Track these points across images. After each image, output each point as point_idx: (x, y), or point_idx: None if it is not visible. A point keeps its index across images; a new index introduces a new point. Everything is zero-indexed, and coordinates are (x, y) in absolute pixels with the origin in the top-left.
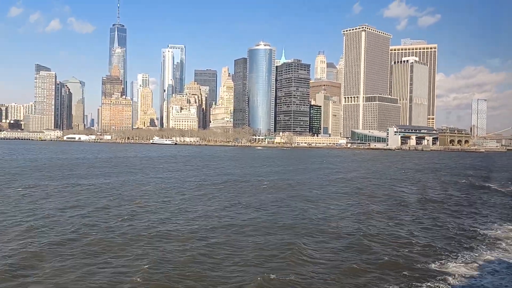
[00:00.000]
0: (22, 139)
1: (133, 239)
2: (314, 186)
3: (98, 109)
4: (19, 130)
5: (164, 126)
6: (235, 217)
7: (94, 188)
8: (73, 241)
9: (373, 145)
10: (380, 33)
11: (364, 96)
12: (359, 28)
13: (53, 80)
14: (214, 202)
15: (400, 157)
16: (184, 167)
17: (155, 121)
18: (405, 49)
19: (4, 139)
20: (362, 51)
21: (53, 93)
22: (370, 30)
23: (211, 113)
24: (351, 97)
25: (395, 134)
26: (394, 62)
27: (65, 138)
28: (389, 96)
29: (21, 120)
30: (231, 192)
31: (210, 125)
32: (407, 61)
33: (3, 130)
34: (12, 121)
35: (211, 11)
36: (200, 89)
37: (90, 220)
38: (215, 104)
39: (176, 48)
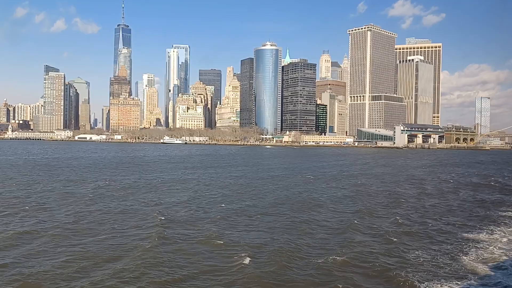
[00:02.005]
0: (32, 139)
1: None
2: (359, 178)
3: (103, 109)
4: (29, 130)
5: (169, 126)
6: (328, 201)
7: (184, 181)
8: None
9: (380, 143)
10: (385, 33)
11: (370, 95)
12: (364, 28)
13: (62, 81)
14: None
15: (410, 155)
16: (228, 164)
17: (161, 120)
18: (410, 48)
19: (15, 139)
20: (368, 51)
21: (62, 93)
22: (376, 30)
23: (216, 113)
24: (357, 96)
25: (402, 133)
26: (400, 61)
27: (76, 138)
28: (395, 95)
29: (29, 120)
30: (299, 185)
31: (217, 125)
32: (412, 60)
33: (15, 131)
34: (21, 121)
35: (214, 11)
36: (205, 89)
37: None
38: (220, 103)
39: (180, 48)
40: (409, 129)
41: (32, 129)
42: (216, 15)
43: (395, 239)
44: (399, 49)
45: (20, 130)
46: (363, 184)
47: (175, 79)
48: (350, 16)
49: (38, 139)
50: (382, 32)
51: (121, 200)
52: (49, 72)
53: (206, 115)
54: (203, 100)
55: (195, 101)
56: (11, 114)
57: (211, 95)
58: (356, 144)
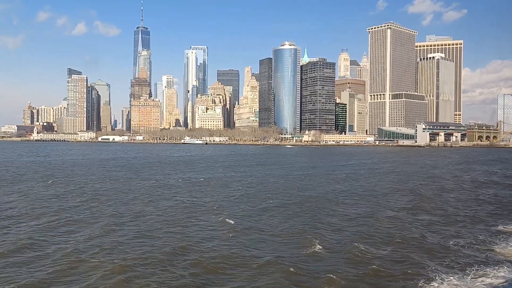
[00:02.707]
0: (57, 140)
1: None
2: (394, 175)
3: (122, 110)
4: (53, 132)
5: (188, 126)
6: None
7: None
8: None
9: (401, 142)
10: (405, 30)
11: (391, 93)
12: (384, 26)
13: (84, 83)
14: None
15: (434, 153)
16: (258, 163)
17: (180, 121)
18: (431, 46)
19: (40, 140)
20: (388, 49)
21: (85, 96)
22: (396, 28)
23: (235, 113)
24: (377, 95)
25: (424, 131)
26: (420, 59)
27: (99, 139)
28: (416, 93)
29: (52, 122)
30: (336, 181)
31: (236, 125)
32: (433, 57)
33: (40, 132)
34: (45, 123)
35: (231, 12)
36: (224, 89)
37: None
38: (238, 103)
39: (199, 49)
40: (431, 127)
41: (56, 131)
42: (233, 15)
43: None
44: (420, 46)
45: (45, 132)
46: (402, 181)
47: (194, 80)
48: (369, 14)
49: (62, 141)
50: (402, 29)
51: (183, 195)
52: (72, 75)
53: (224, 115)
54: (221, 101)
55: (214, 102)
56: (35, 116)
57: (230, 95)
58: (377, 143)
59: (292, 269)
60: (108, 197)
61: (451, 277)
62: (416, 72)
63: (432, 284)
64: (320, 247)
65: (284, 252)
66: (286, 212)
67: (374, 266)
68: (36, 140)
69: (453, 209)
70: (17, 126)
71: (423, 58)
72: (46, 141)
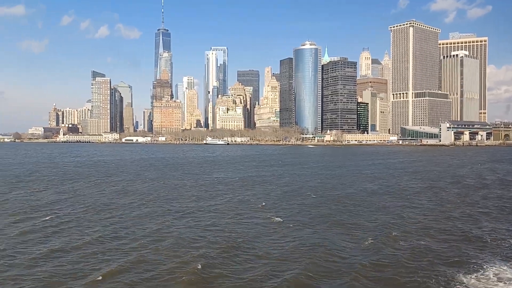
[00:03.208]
0: (82, 142)
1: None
2: (424, 174)
3: (144, 112)
4: (78, 133)
5: (209, 127)
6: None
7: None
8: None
9: (425, 141)
10: (428, 28)
11: (413, 92)
12: (406, 24)
13: (108, 85)
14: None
15: (460, 152)
16: (285, 163)
17: (201, 122)
18: (454, 43)
19: (66, 142)
20: (410, 47)
21: (108, 98)
22: (418, 26)
23: (255, 113)
24: (399, 94)
25: (448, 130)
26: (443, 57)
27: (123, 140)
28: (439, 92)
29: (77, 124)
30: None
31: (256, 125)
32: (457, 55)
33: (65, 134)
34: (70, 125)
35: (251, 12)
36: (244, 90)
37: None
38: (259, 104)
39: (219, 50)
40: (455, 126)
41: (80, 132)
42: (252, 16)
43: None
44: (443, 44)
45: (70, 133)
46: (432, 179)
47: (214, 80)
48: (391, 12)
49: (87, 142)
50: (424, 27)
51: (226, 193)
52: (96, 78)
53: (245, 116)
54: (242, 101)
55: (234, 102)
56: (60, 118)
57: (250, 95)
58: (400, 143)
59: (351, 261)
60: (159, 195)
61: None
62: (439, 70)
63: (482, 273)
64: (372, 240)
65: (338, 245)
66: (327, 210)
67: (427, 259)
68: (62, 142)
69: (490, 207)
70: (43, 128)
71: (447, 56)
72: (71, 142)
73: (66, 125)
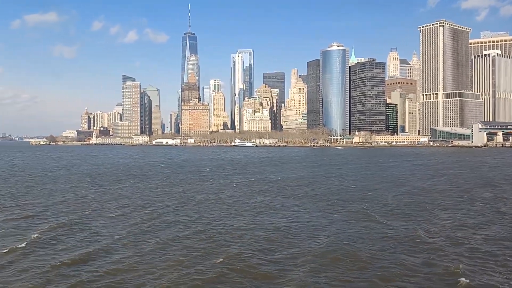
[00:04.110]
0: (113, 144)
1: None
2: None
3: (171, 114)
4: (110, 136)
5: (236, 129)
6: None
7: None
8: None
9: (456, 142)
10: (458, 28)
11: (444, 92)
12: (436, 24)
13: (138, 89)
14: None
15: (496, 153)
16: (324, 163)
17: (227, 124)
18: (486, 42)
19: (99, 144)
20: (440, 47)
21: (138, 101)
22: (448, 25)
23: (282, 115)
24: (429, 94)
25: (480, 131)
26: (474, 56)
27: (153, 142)
28: (471, 92)
29: (107, 127)
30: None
31: (283, 127)
32: (489, 54)
33: (98, 137)
34: (101, 128)
35: (276, 14)
36: (271, 92)
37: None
38: (285, 106)
39: (245, 53)
40: (488, 127)
41: (111, 135)
42: (277, 19)
43: None
44: (474, 43)
45: (102, 136)
46: (484, 178)
47: (240, 83)
48: (420, 11)
49: (118, 144)
50: (455, 27)
51: (288, 191)
52: (127, 81)
53: (272, 118)
54: (268, 103)
55: (261, 104)
56: (91, 121)
57: (276, 97)
58: (431, 144)
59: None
60: (221, 192)
61: None
62: (470, 70)
63: None
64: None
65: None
66: (397, 208)
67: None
68: (95, 144)
69: None
70: (76, 131)
71: (478, 56)
72: (103, 144)
73: (98, 128)
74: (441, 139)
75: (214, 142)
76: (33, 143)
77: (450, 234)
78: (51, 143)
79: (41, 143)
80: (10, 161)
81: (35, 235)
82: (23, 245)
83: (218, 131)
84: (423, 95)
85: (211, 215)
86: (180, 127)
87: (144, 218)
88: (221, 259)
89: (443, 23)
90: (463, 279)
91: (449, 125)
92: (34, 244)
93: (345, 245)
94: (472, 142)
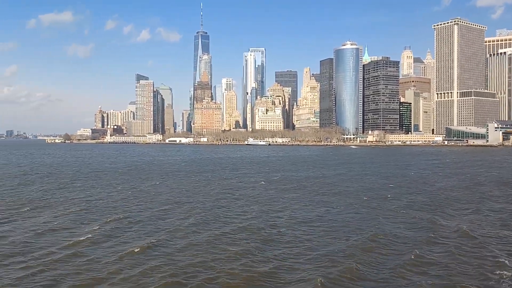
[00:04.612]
0: (127, 142)
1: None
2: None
3: (183, 113)
4: (123, 134)
5: (248, 128)
6: None
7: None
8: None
9: (471, 141)
10: (474, 26)
11: (459, 91)
12: (451, 22)
13: (151, 88)
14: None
15: None
16: (345, 162)
17: (240, 123)
18: (502, 41)
19: (113, 142)
20: (455, 46)
21: (151, 100)
22: (463, 23)
23: (294, 114)
24: (444, 93)
25: (496, 130)
26: (490, 55)
27: (167, 141)
28: (486, 91)
29: (121, 125)
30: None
31: (295, 126)
32: (505, 53)
33: (112, 135)
34: (114, 126)
35: (288, 13)
36: (283, 91)
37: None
38: (297, 104)
39: (257, 52)
40: (504, 126)
41: (125, 133)
42: (289, 18)
43: None
44: (489, 42)
45: (116, 134)
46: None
47: (252, 82)
48: (434, 9)
49: (132, 143)
50: (470, 25)
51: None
52: (140, 81)
53: (284, 116)
54: (281, 102)
55: (273, 103)
56: (105, 120)
57: (288, 96)
58: (445, 143)
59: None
60: (252, 189)
61: None
62: (485, 69)
63: None
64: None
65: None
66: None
67: None
68: (109, 142)
69: None
70: (91, 129)
71: (493, 54)
72: (118, 143)
73: (111, 127)
74: (455, 138)
75: (227, 140)
76: (48, 141)
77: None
78: (66, 141)
79: (57, 141)
80: (43, 159)
81: (96, 228)
82: (89, 235)
83: (230, 130)
84: (437, 93)
85: (250, 211)
86: (192, 125)
87: (191, 212)
88: (272, 254)
89: (458, 21)
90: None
91: (464, 124)
92: (97, 236)
93: (392, 237)
94: (488, 141)
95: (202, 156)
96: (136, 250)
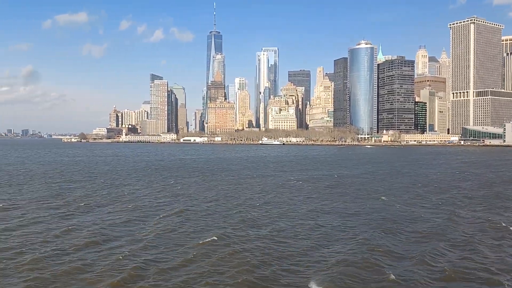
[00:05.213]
0: (142, 142)
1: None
2: None
3: (195, 112)
4: (138, 134)
5: (260, 127)
6: None
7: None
8: None
9: (487, 141)
10: (490, 25)
11: (475, 90)
12: (467, 21)
13: (165, 88)
14: None
15: None
16: (369, 162)
17: (252, 122)
18: None
19: (128, 142)
20: (471, 44)
21: (166, 99)
22: (480, 22)
23: (307, 113)
24: (459, 93)
25: None
26: (507, 54)
27: (181, 140)
28: (503, 90)
29: (135, 125)
30: None
31: (309, 125)
32: None
33: (127, 134)
34: (129, 126)
35: (301, 12)
36: (296, 90)
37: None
38: (310, 104)
39: (270, 51)
40: None
41: (139, 133)
42: (302, 16)
43: None
44: (506, 40)
45: (131, 133)
46: None
47: (265, 81)
48: (449, 7)
49: (147, 142)
50: (486, 24)
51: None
52: (154, 80)
53: (297, 116)
54: (294, 101)
55: (286, 103)
56: (119, 119)
57: (301, 95)
58: (461, 143)
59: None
60: (283, 187)
61: None
62: (502, 68)
63: None
64: None
65: None
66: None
67: None
68: (124, 142)
69: None
70: (106, 128)
71: (511, 53)
72: (133, 142)
73: (126, 126)
74: (471, 138)
75: (241, 140)
76: (65, 141)
77: None
78: (82, 141)
79: (73, 140)
80: (72, 158)
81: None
82: (160, 226)
83: (243, 129)
84: (453, 93)
85: (295, 208)
86: (205, 125)
87: (238, 209)
88: (319, 253)
89: (474, 20)
90: None
91: (480, 124)
92: (162, 228)
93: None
94: (505, 141)
95: (220, 155)
96: (202, 242)
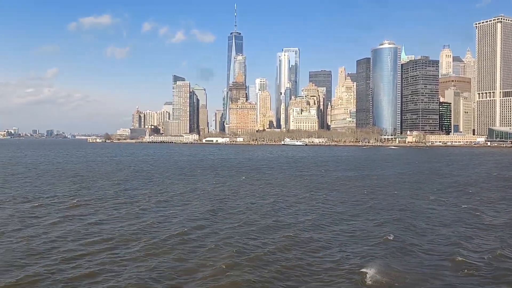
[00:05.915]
0: (165, 142)
1: None
2: None
3: (216, 113)
4: (160, 134)
5: (281, 128)
6: None
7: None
8: None
9: None
10: None
11: (501, 91)
12: (494, 20)
13: (188, 89)
14: None
15: None
16: (405, 162)
17: (273, 123)
18: None
19: (151, 142)
20: (498, 44)
21: (188, 100)
22: (507, 21)
23: (328, 114)
24: (485, 93)
25: None
26: None
27: (203, 141)
28: None
29: (157, 125)
30: None
31: (331, 126)
32: None
33: (151, 135)
34: (152, 126)
35: (321, 13)
36: (317, 91)
37: None
38: (331, 104)
39: (290, 52)
40: None
41: (162, 133)
42: (323, 16)
43: None
44: None
45: (154, 134)
46: None
47: (286, 82)
48: (475, 6)
49: (170, 142)
50: None
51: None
52: (177, 81)
53: (318, 117)
54: (315, 102)
55: (308, 103)
56: (142, 120)
57: (323, 96)
58: (488, 144)
59: None
60: (325, 188)
61: None
62: None
63: None
64: None
65: None
66: None
67: None
68: (148, 142)
69: None
70: (130, 129)
71: None
72: (156, 142)
73: (149, 127)
74: (498, 139)
75: (263, 140)
76: (90, 141)
77: None
78: (106, 141)
79: (98, 140)
80: (118, 159)
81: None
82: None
83: (264, 130)
84: (478, 93)
85: (337, 207)
86: (226, 125)
87: (277, 207)
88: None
89: (501, 19)
90: None
91: (507, 124)
92: (201, 224)
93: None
94: None
95: (248, 156)
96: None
